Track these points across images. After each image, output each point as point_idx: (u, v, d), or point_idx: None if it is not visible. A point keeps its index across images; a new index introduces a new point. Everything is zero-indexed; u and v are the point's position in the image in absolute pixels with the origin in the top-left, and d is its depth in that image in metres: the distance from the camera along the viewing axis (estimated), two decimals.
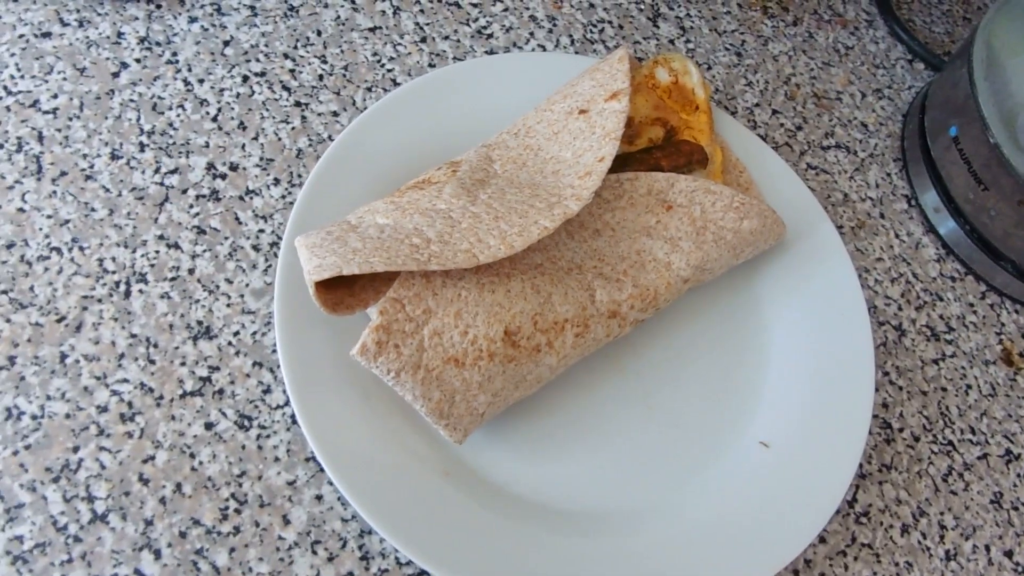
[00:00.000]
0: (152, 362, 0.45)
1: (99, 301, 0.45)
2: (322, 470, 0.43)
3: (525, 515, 0.43)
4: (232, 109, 0.52)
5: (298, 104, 0.53)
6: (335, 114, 0.54)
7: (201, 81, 0.53)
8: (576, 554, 0.43)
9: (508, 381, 0.43)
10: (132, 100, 0.51)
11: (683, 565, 0.43)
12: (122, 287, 0.46)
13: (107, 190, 0.48)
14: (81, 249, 0.46)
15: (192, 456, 0.43)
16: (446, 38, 0.59)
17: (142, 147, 0.50)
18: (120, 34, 0.53)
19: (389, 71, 0.56)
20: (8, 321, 0.44)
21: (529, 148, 0.48)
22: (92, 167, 0.49)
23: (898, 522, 0.49)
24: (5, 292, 0.45)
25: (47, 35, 0.52)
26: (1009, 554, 0.50)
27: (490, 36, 0.60)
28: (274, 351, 0.46)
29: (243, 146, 0.51)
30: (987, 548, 0.50)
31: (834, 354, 0.50)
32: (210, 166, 0.50)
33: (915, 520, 0.50)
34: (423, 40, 0.58)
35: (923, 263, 0.59)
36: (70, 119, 0.50)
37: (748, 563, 0.43)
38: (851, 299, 0.51)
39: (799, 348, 0.51)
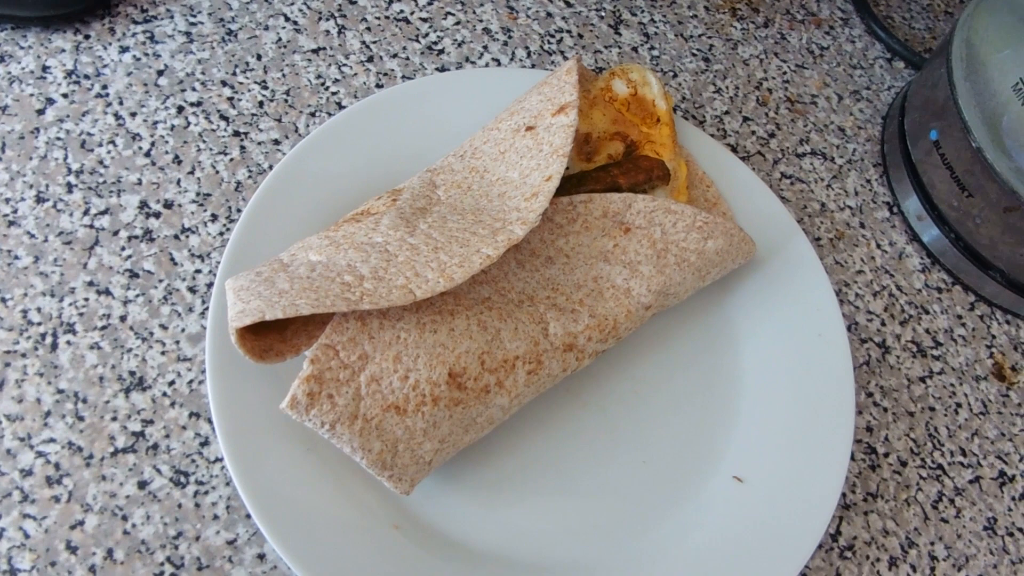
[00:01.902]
0: (81, 419, 0.42)
1: (23, 356, 0.43)
2: None
3: (483, 568, 0.41)
4: (166, 142, 0.50)
5: (237, 134, 0.51)
6: (276, 142, 0.51)
7: (133, 114, 0.50)
8: None
9: (456, 426, 0.40)
10: (59, 138, 0.48)
11: None
12: (48, 339, 0.43)
13: (32, 236, 0.46)
14: (3, 301, 0.44)
15: (124, 519, 0.40)
16: (394, 56, 0.56)
17: (70, 188, 0.47)
18: (45, 68, 0.50)
19: (334, 94, 0.53)
20: None
21: (475, 170, 0.46)
22: (15, 212, 0.46)
23: (885, 555, 0.46)
24: None
25: None
26: None
27: (441, 52, 0.57)
28: None
29: (178, 181, 0.49)
30: None
31: (811, 377, 0.47)
32: (143, 204, 0.48)
33: (904, 552, 0.47)
34: (370, 59, 0.55)
35: (907, 274, 0.56)
36: None
37: None
38: (828, 317, 0.48)
39: (774, 373, 0.48)
